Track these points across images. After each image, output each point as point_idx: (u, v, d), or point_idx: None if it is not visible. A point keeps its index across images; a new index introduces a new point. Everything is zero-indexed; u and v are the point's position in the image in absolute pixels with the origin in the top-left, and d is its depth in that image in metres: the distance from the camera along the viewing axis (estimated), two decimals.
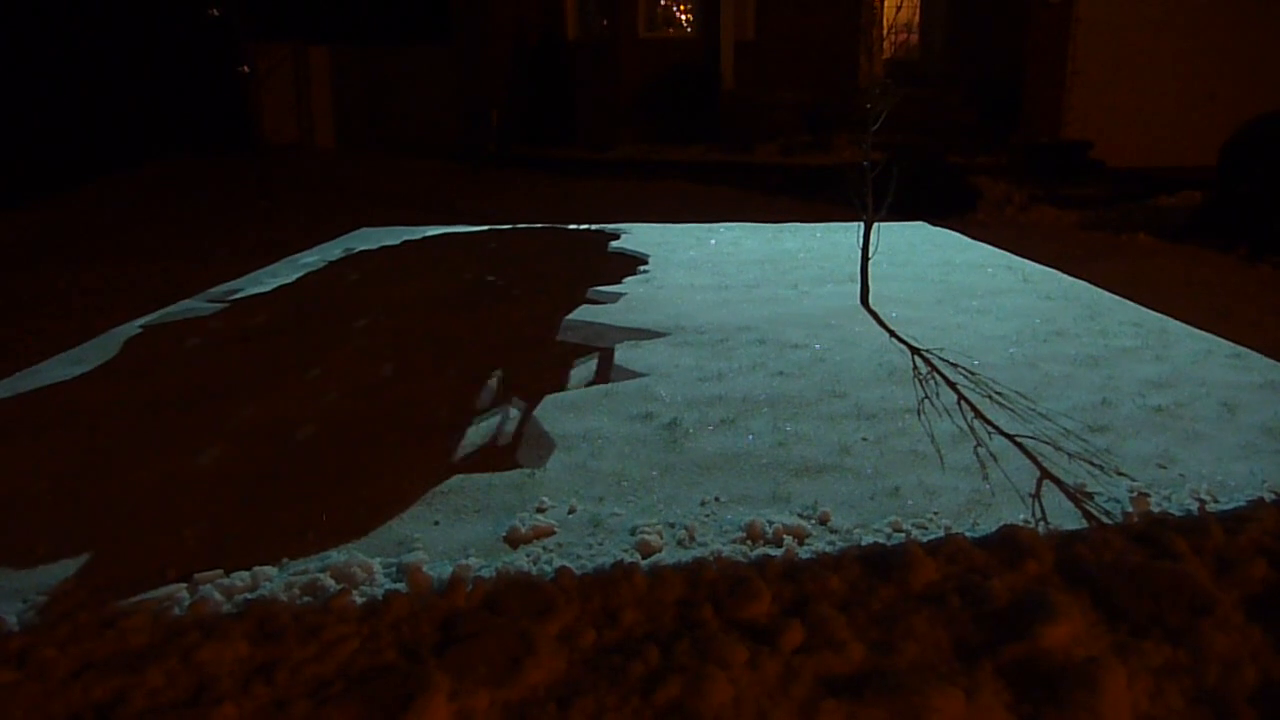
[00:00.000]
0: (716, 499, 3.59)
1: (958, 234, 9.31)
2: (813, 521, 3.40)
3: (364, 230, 9.53)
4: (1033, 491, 3.63)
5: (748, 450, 4.04)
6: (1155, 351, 5.38)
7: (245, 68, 12.47)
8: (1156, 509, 3.46)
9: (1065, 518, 3.42)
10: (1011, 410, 4.48)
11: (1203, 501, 3.53)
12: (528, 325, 6.00)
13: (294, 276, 7.41)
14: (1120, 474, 3.79)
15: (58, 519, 3.47)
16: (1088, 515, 3.43)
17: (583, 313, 6.25)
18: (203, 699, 2.39)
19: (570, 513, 3.49)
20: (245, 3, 12.34)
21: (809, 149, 13.91)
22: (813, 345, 5.50)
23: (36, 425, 4.39)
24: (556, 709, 2.35)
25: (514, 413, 4.48)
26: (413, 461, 3.95)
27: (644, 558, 3.14)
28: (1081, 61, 13.94)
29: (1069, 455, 3.96)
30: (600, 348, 5.47)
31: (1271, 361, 5.20)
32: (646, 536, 3.26)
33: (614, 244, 8.76)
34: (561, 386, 4.84)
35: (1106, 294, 6.75)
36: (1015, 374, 5.00)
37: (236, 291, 6.90)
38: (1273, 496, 3.57)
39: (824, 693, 2.41)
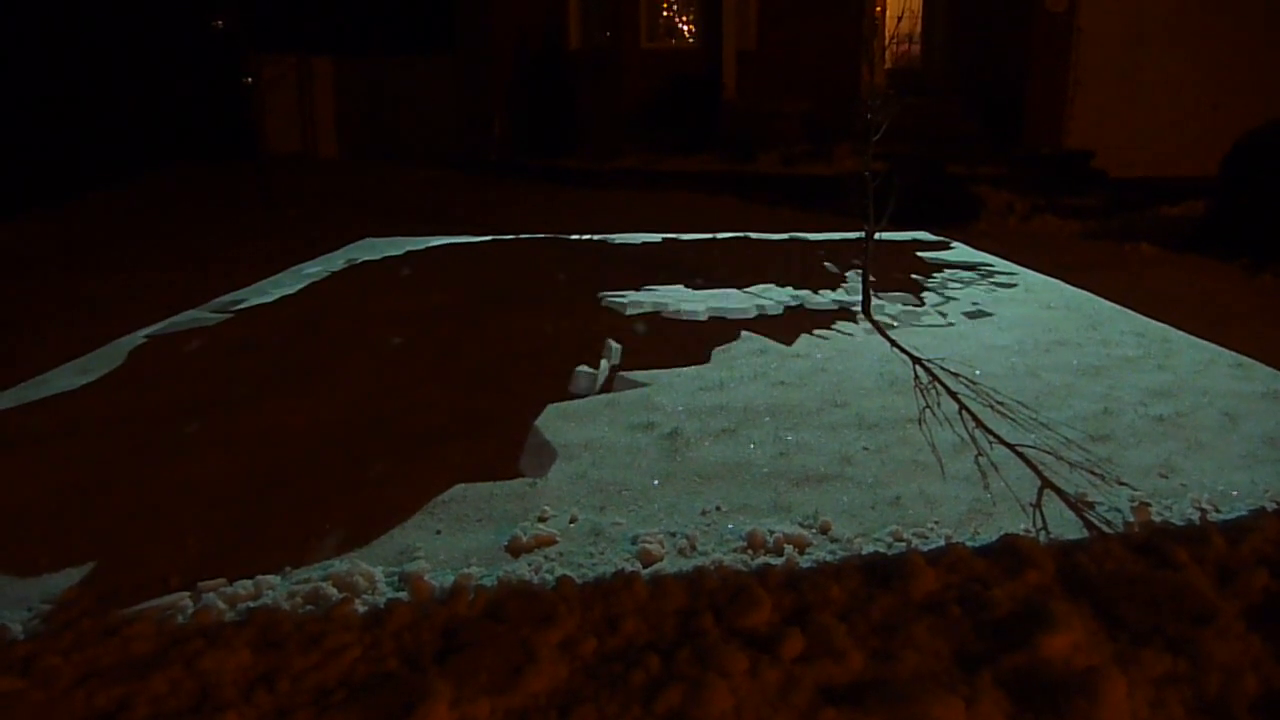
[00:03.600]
0: (717, 508, 3.60)
1: (960, 244, 9.32)
2: (813, 531, 3.41)
3: (367, 240, 9.55)
4: (1034, 501, 3.64)
5: (749, 460, 4.05)
6: (1157, 361, 5.39)
7: (249, 78, 12.51)
8: (1158, 518, 3.46)
9: (1066, 527, 3.42)
10: (1013, 419, 4.48)
11: (1204, 511, 3.53)
12: (530, 336, 6.01)
13: (298, 287, 7.44)
14: (1121, 483, 3.79)
15: (62, 527, 3.48)
16: (1089, 525, 3.44)
17: (585, 321, 6.26)
18: (206, 707, 2.40)
19: (572, 522, 3.50)
20: (249, 14, 12.39)
21: (810, 159, 13.92)
22: (814, 354, 5.51)
23: (42, 434, 4.40)
24: (557, 717, 2.36)
25: (520, 420, 4.49)
26: (415, 471, 3.96)
27: (645, 567, 3.15)
28: (1083, 71, 13.97)
29: (1070, 464, 3.97)
30: (601, 356, 5.48)
31: (1274, 371, 5.20)
32: (647, 545, 3.26)
33: (616, 254, 8.77)
34: (563, 396, 4.85)
35: (1108, 303, 6.76)
36: (1016, 383, 5.01)
37: (241, 302, 6.92)
38: (1275, 506, 3.57)
39: (824, 702, 2.41)
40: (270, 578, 3.07)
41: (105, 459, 4.09)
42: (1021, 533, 3.34)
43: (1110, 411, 4.60)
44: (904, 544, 3.29)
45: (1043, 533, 3.38)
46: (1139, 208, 11.32)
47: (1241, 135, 9.22)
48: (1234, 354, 5.49)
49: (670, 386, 4.98)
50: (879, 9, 15.28)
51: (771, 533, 3.35)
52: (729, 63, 15.24)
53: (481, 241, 9.55)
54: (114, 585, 3.05)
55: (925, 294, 7.10)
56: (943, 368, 5.27)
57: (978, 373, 5.19)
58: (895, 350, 5.61)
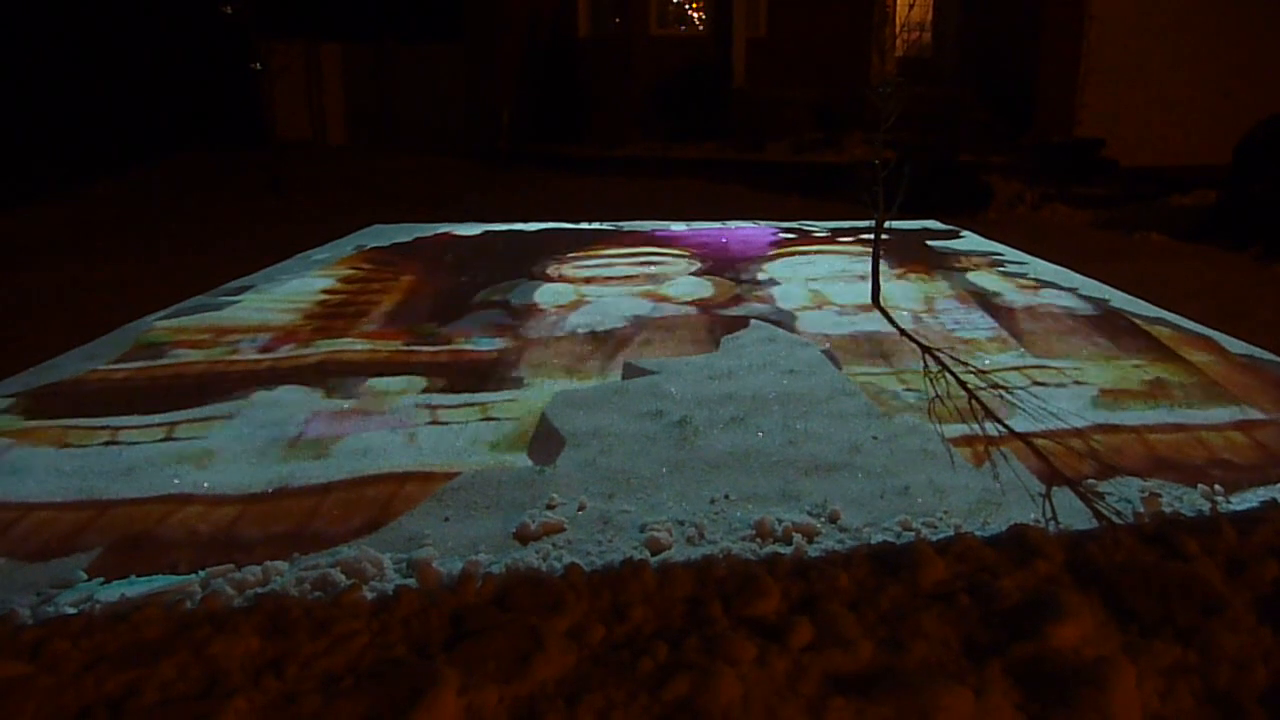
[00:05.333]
0: (726, 497, 3.60)
1: (969, 232, 9.28)
2: (822, 520, 3.40)
3: (376, 227, 9.55)
4: (1043, 491, 3.62)
5: (757, 448, 4.04)
6: (1167, 352, 5.36)
7: (257, 65, 12.49)
8: (1168, 509, 3.45)
9: (1075, 517, 3.41)
10: (1022, 409, 4.47)
11: (1214, 502, 3.52)
12: (537, 321, 6.00)
13: (306, 273, 7.44)
14: (1131, 474, 3.77)
15: (72, 512, 3.49)
16: (1098, 515, 3.42)
17: (594, 308, 6.26)
18: (214, 692, 2.40)
19: (580, 510, 3.49)
20: (258, 0, 12.37)
21: (820, 147, 13.87)
22: (823, 343, 5.50)
23: (51, 419, 4.41)
24: (565, 705, 2.36)
25: (528, 406, 4.49)
26: (422, 459, 3.96)
27: (653, 555, 3.15)
28: (1095, 60, 13.88)
29: (1080, 454, 3.95)
30: (611, 344, 5.48)
31: None
32: (656, 534, 3.26)
33: (625, 241, 8.76)
34: (571, 382, 4.84)
35: (1118, 293, 6.72)
36: (1026, 373, 4.99)
37: (249, 288, 6.93)
38: None
39: (832, 691, 2.41)
40: (278, 564, 3.07)
41: (114, 444, 4.09)
42: (1031, 522, 3.33)
43: (1120, 401, 4.58)
44: (913, 533, 3.29)
45: (1052, 523, 3.36)
46: (1150, 197, 11.25)
47: (1254, 123, 9.16)
48: (1244, 344, 5.46)
49: (679, 374, 4.97)
50: None
51: (780, 521, 3.35)
52: (739, 50, 15.17)
53: (489, 229, 9.52)
54: (123, 570, 3.06)
55: (934, 284, 7.07)
56: (952, 356, 5.25)
57: (987, 361, 5.17)
58: (905, 339, 5.59)
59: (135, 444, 4.11)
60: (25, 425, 4.35)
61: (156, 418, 4.42)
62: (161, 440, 4.15)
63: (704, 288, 6.93)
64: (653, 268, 7.63)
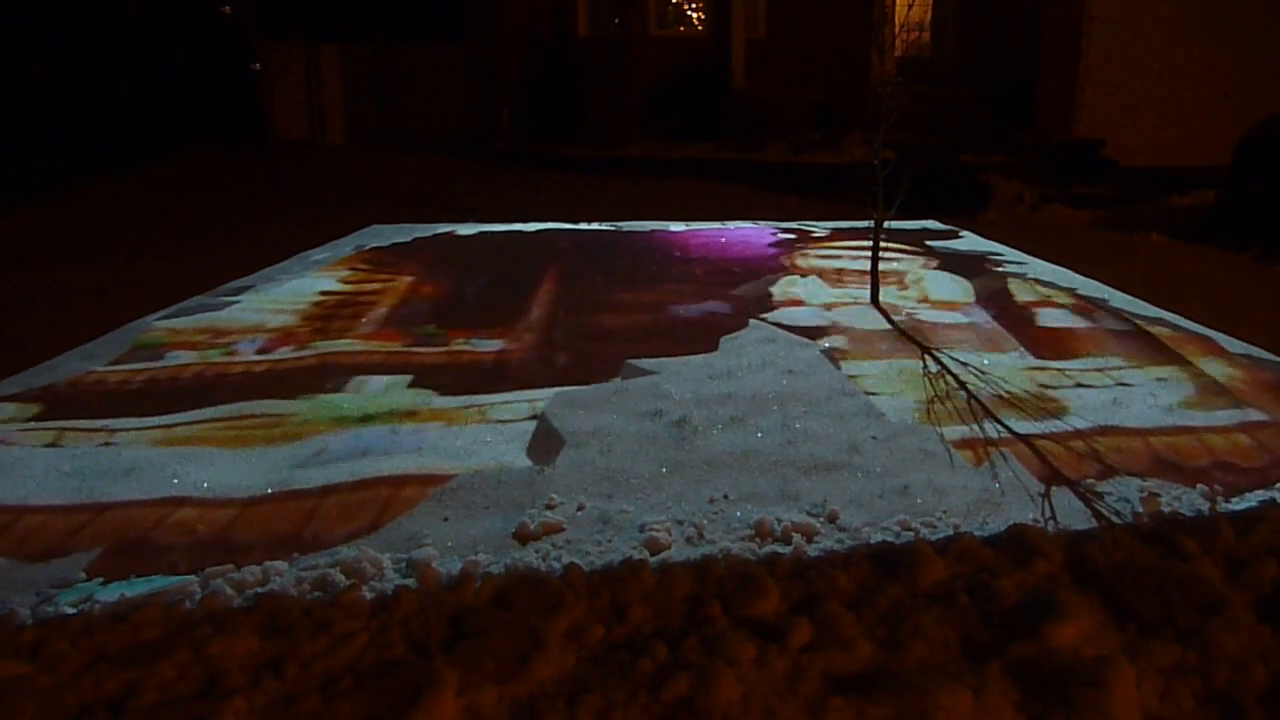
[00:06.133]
0: (725, 496, 3.60)
1: (969, 233, 9.28)
2: (821, 519, 3.40)
3: (375, 227, 9.55)
4: (1042, 491, 3.62)
5: (757, 448, 4.04)
6: (1166, 352, 5.36)
7: (257, 65, 12.50)
8: (1167, 509, 3.45)
9: (1075, 517, 3.41)
10: (1021, 409, 4.47)
11: (1213, 502, 3.52)
12: (535, 322, 6.00)
13: (306, 273, 7.43)
14: (1130, 473, 3.78)
15: (71, 513, 3.49)
16: (1097, 515, 3.42)
17: (594, 308, 6.26)
18: (213, 692, 2.40)
19: (579, 510, 3.49)
20: (257, 1, 12.38)
21: (819, 147, 13.87)
22: (822, 343, 5.50)
23: (50, 419, 4.41)
24: (565, 705, 2.36)
25: (538, 409, 4.49)
26: (422, 458, 3.96)
27: (652, 555, 3.15)
28: (1095, 60, 13.89)
29: (1079, 455, 3.95)
30: (611, 345, 5.48)
31: None
32: (655, 534, 3.26)
33: (624, 241, 8.76)
34: (571, 383, 4.84)
35: (1118, 293, 6.72)
36: (1025, 373, 4.99)
37: (248, 288, 6.92)
38: None
39: (832, 690, 2.41)
40: (278, 564, 3.07)
41: (114, 445, 4.09)
42: (1030, 522, 3.33)
43: (1119, 401, 4.58)
44: (912, 533, 3.29)
45: (1051, 523, 3.37)
46: (1149, 197, 11.26)
47: (1253, 124, 9.16)
48: (1244, 344, 5.46)
49: (679, 374, 4.97)
50: None
51: (779, 521, 3.35)
52: (738, 50, 15.17)
53: (488, 230, 9.52)
54: (122, 570, 3.06)
55: (934, 283, 7.08)
56: (951, 357, 5.25)
57: (985, 362, 5.17)
58: (904, 339, 5.59)
59: (136, 441, 4.10)
60: (23, 425, 4.35)
61: (156, 415, 4.42)
62: (164, 437, 4.16)
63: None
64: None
